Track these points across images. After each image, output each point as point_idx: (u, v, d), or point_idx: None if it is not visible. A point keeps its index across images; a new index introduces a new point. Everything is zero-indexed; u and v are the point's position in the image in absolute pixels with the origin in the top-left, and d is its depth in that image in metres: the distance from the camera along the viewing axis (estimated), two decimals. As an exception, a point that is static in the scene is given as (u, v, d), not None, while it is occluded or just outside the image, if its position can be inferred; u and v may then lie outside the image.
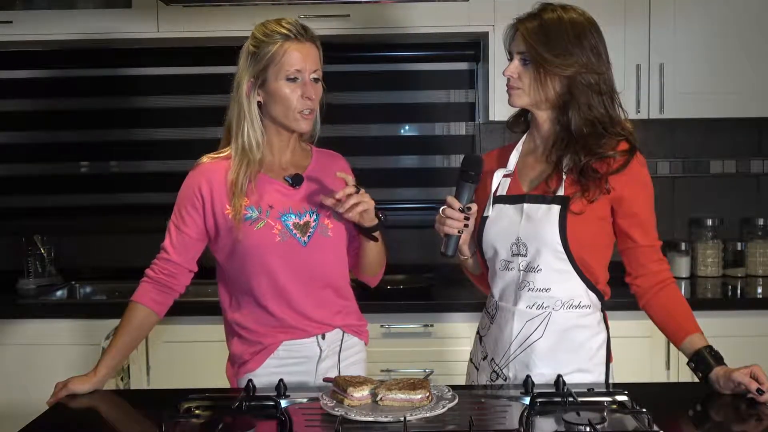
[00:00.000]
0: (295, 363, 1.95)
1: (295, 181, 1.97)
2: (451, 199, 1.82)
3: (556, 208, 1.83)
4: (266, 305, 1.93)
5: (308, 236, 1.93)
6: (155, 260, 2.01)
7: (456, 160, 3.56)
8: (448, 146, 3.60)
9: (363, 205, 1.86)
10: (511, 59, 1.89)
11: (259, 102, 1.92)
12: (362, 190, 1.87)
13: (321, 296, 1.97)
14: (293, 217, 1.93)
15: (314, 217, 1.95)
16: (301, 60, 1.88)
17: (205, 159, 1.99)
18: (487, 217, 1.92)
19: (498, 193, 1.93)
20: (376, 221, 1.92)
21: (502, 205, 1.91)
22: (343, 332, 2.01)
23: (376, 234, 1.95)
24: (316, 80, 1.92)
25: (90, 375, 1.90)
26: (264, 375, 1.93)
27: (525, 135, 1.99)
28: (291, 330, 1.95)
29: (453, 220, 1.81)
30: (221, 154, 1.98)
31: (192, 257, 1.99)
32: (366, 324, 2.10)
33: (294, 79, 1.89)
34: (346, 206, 1.84)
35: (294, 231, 1.93)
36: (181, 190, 1.99)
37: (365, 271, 2.08)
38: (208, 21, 3.13)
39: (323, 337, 1.97)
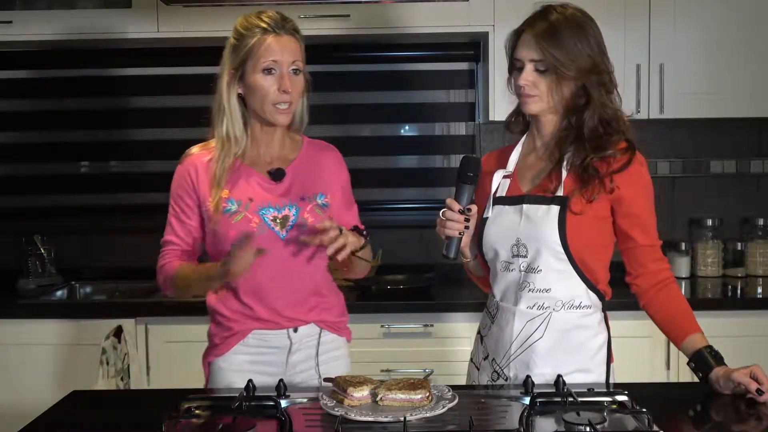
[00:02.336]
0: (264, 352, 1.97)
1: (276, 175, 1.98)
2: (450, 201, 1.82)
3: (555, 209, 1.83)
4: (240, 296, 1.95)
5: (287, 230, 1.94)
6: (162, 253, 2.02)
7: (456, 160, 3.55)
8: (448, 146, 3.59)
9: (349, 247, 1.86)
10: (517, 66, 1.86)
11: (239, 94, 1.94)
12: (344, 230, 1.87)
13: (296, 291, 1.97)
14: (272, 210, 1.94)
15: (294, 211, 1.96)
16: (277, 52, 1.89)
17: (193, 150, 2.02)
18: (487, 218, 1.92)
19: (498, 194, 1.93)
20: (362, 242, 1.94)
21: (501, 206, 1.91)
22: (321, 328, 2.01)
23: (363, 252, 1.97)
24: (295, 72, 1.92)
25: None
26: (232, 360, 1.96)
27: (524, 136, 1.99)
28: (262, 321, 1.96)
29: (453, 222, 1.81)
30: (208, 146, 2.00)
31: (198, 243, 2.02)
32: (346, 320, 2.09)
33: (270, 71, 1.89)
34: (331, 250, 1.84)
35: (272, 224, 1.93)
36: (172, 183, 2.02)
37: (352, 273, 2.08)
38: (208, 21, 3.13)
39: (295, 330, 1.98)
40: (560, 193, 1.84)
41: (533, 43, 1.82)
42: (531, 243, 1.85)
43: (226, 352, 1.97)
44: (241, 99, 1.96)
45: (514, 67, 1.88)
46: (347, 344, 2.10)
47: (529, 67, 1.84)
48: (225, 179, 1.93)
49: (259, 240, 1.89)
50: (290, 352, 1.97)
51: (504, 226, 1.89)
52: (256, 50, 1.89)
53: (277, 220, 1.94)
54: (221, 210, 1.92)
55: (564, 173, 1.86)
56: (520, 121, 2.00)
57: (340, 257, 1.86)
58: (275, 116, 1.93)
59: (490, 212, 1.92)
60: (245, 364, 1.96)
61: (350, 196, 2.10)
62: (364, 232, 1.98)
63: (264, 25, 1.89)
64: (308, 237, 1.88)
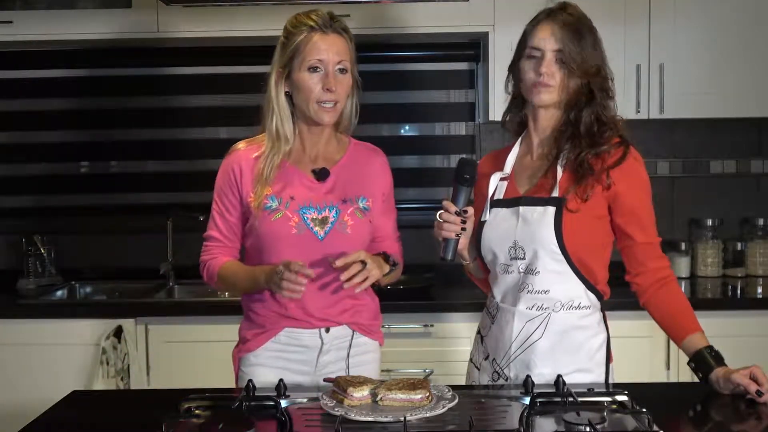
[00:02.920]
0: (295, 351, 1.97)
1: (321, 175, 1.98)
2: (447, 203, 1.82)
3: (551, 210, 1.83)
4: (274, 294, 1.93)
5: (326, 231, 1.94)
6: (206, 247, 2.04)
7: (456, 161, 3.55)
8: (448, 146, 3.60)
9: (370, 280, 1.85)
10: (532, 55, 1.84)
11: (287, 92, 1.95)
12: (369, 263, 1.85)
13: (331, 293, 1.96)
14: (313, 210, 1.94)
15: (334, 212, 1.95)
16: (323, 51, 1.89)
17: (240, 145, 2.03)
18: (484, 221, 1.92)
19: (495, 197, 1.93)
20: (385, 270, 1.93)
21: (498, 209, 1.91)
22: (353, 331, 2.01)
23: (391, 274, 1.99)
24: (342, 71, 1.92)
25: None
26: (263, 356, 1.97)
27: (521, 137, 1.98)
28: (295, 320, 1.96)
29: (450, 223, 1.81)
30: (255, 141, 2.01)
31: (240, 237, 2.03)
32: (380, 323, 2.09)
33: (315, 69, 1.90)
34: (347, 285, 1.83)
35: (311, 224, 1.93)
36: (218, 177, 2.02)
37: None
38: (208, 21, 3.13)
39: (327, 330, 1.98)
40: (556, 193, 1.84)
41: (558, 34, 1.82)
42: (528, 245, 1.84)
43: (257, 348, 1.98)
44: (290, 97, 1.96)
45: (527, 56, 1.86)
46: (379, 348, 2.09)
47: (550, 56, 1.82)
48: (273, 177, 1.94)
49: (297, 240, 1.91)
50: (321, 352, 1.97)
51: (501, 228, 1.89)
52: (302, 48, 1.89)
53: (317, 221, 1.94)
54: (262, 206, 1.93)
55: (560, 171, 1.85)
56: (516, 121, 1.99)
57: (357, 290, 1.86)
58: (320, 114, 1.93)
59: (488, 215, 1.92)
60: (276, 361, 1.97)
61: (392, 202, 2.10)
62: (391, 260, 1.97)
63: (311, 23, 1.90)
64: (337, 261, 1.85)
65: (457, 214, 1.80)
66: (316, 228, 1.93)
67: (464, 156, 3.41)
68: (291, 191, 1.95)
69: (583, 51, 1.81)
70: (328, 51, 1.90)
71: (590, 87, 1.84)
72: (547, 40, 1.83)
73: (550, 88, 1.84)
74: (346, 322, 2.00)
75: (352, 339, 2.01)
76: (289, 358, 1.97)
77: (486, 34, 3.17)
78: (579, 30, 1.82)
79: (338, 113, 1.96)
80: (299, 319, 1.96)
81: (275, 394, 1.72)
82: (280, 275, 1.78)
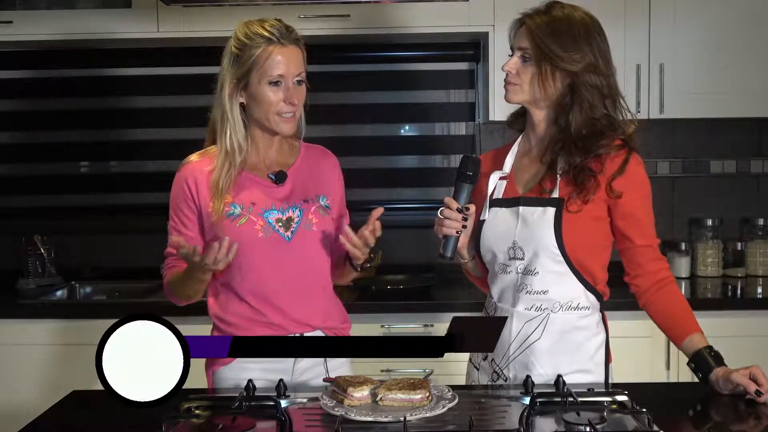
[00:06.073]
0: (270, 361, 1.93)
1: (279, 178, 1.97)
2: (448, 200, 1.82)
3: (551, 211, 1.82)
4: (248, 300, 1.93)
5: (292, 231, 1.93)
6: (164, 266, 2.02)
7: (456, 160, 3.54)
8: (448, 146, 3.60)
9: (355, 253, 1.87)
10: (512, 55, 1.87)
11: (242, 103, 1.92)
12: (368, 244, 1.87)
13: (304, 292, 1.95)
14: (276, 213, 1.93)
15: (298, 212, 1.95)
16: (284, 64, 1.87)
17: (192, 157, 2.00)
18: (483, 220, 1.91)
19: (494, 196, 1.93)
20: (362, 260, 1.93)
21: (498, 209, 1.91)
22: (326, 335, 1.99)
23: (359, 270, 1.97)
24: (299, 83, 1.91)
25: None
26: (237, 369, 1.93)
27: (521, 136, 1.98)
28: (269, 326, 1.94)
29: (451, 220, 1.81)
30: (207, 154, 1.98)
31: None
32: (349, 327, 2.08)
33: (277, 83, 1.88)
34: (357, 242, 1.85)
35: (277, 227, 1.92)
36: (172, 191, 1.99)
37: (336, 277, 2.07)
38: (208, 21, 3.13)
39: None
40: (556, 194, 1.83)
41: (527, 31, 1.83)
42: (527, 245, 1.84)
43: (231, 362, 1.94)
44: (242, 107, 1.94)
45: (508, 56, 1.88)
46: None
47: (515, 55, 1.84)
48: (230, 189, 1.91)
49: (265, 243, 1.90)
50: (297, 359, 1.95)
51: (500, 228, 1.89)
52: (262, 62, 1.86)
53: (282, 222, 1.93)
54: (224, 214, 1.90)
55: (558, 178, 1.85)
56: (520, 120, 1.99)
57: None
58: (281, 126, 1.91)
59: (487, 214, 1.92)
60: (252, 372, 1.91)
61: (344, 203, 2.09)
62: (368, 262, 1.97)
63: (267, 34, 1.87)
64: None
65: (459, 211, 1.80)
66: (282, 230, 1.92)
67: (468, 154, 3.42)
68: (251, 197, 1.93)
69: (561, 45, 1.80)
70: (289, 64, 1.87)
71: (574, 87, 1.83)
72: (516, 39, 1.85)
73: (516, 87, 1.85)
74: (320, 326, 1.98)
75: None
76: (264, 368, 1.92)
77: (486, 34, 3.17)
78: (555, 25, 1.81)
79: (296, 122, 1.95)
80: (275, 324, 1.93)
81: (275, 394, 1.72)
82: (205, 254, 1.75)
